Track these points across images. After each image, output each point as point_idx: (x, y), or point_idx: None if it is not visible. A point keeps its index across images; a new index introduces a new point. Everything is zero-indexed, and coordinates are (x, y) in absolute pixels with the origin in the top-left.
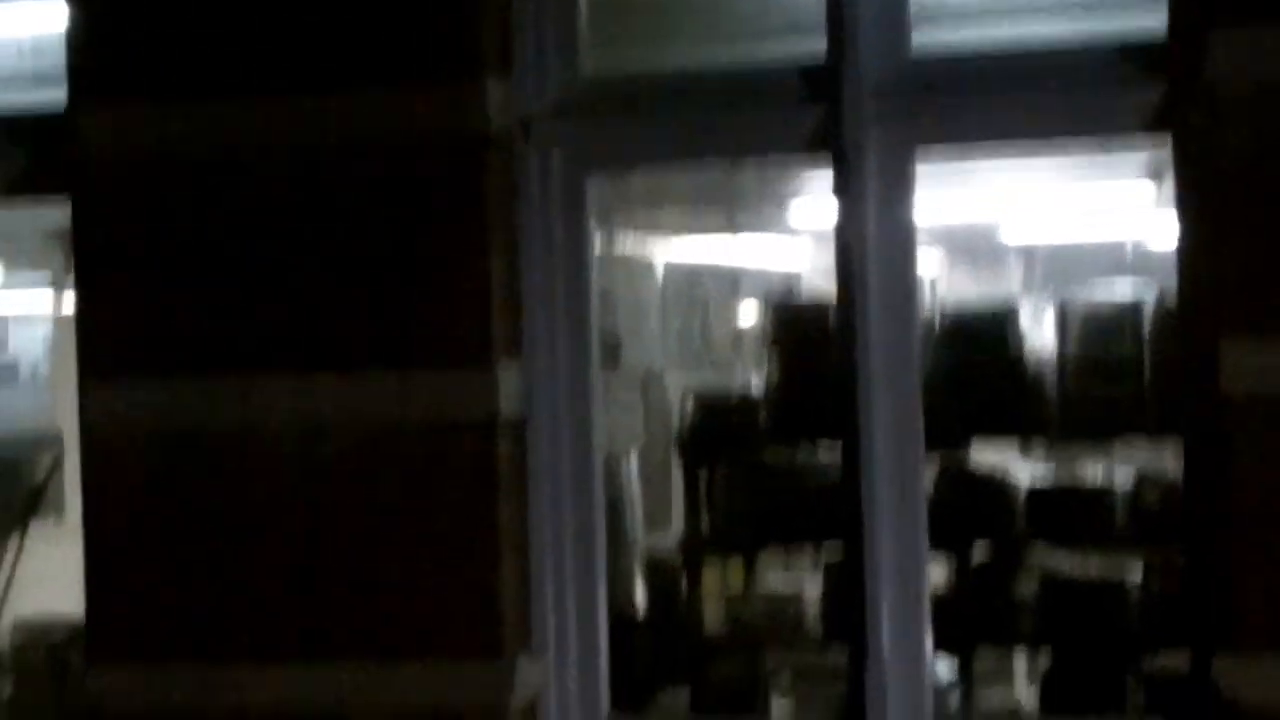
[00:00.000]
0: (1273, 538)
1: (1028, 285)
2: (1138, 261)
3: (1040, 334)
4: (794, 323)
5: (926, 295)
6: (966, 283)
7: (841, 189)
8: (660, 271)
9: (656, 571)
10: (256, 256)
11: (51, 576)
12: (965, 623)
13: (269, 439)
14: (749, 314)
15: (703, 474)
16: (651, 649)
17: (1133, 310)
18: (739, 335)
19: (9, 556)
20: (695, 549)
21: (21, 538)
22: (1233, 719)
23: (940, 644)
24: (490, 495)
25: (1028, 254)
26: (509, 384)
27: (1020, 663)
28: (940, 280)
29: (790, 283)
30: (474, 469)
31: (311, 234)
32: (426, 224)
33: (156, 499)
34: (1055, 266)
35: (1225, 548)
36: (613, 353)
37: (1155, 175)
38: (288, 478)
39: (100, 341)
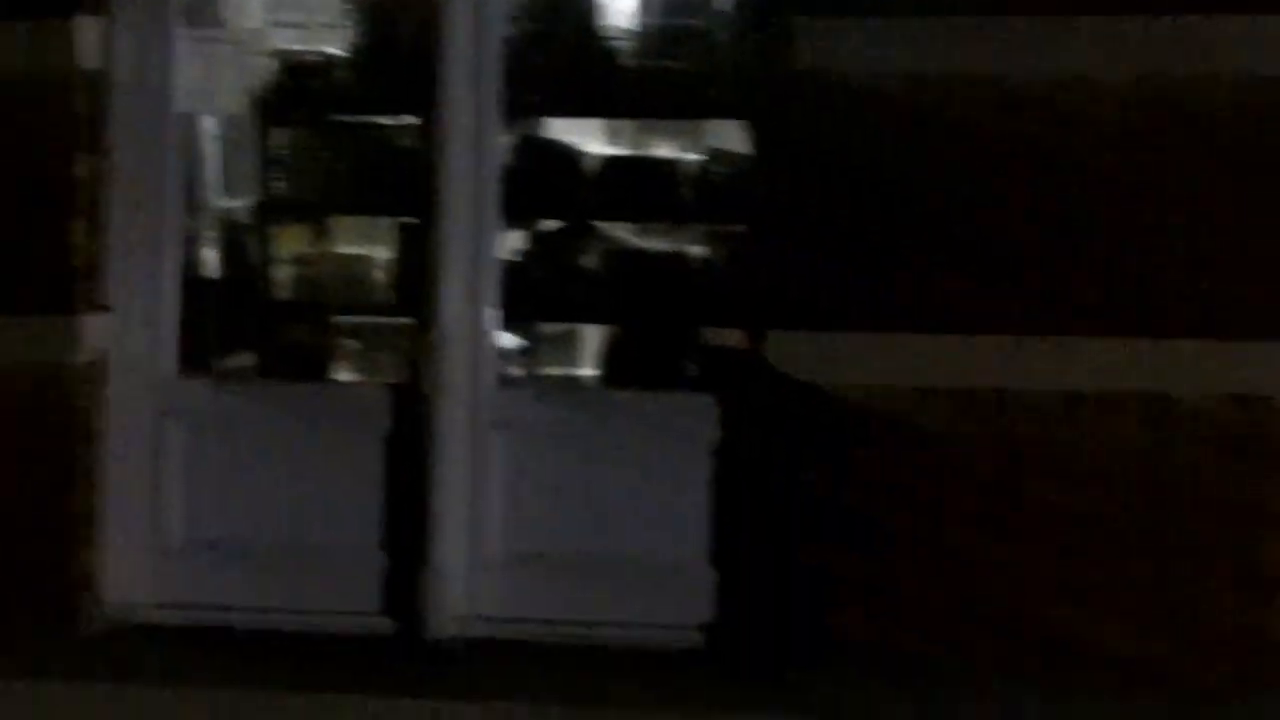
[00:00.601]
0: (830, 215)
1: None
2: None
3: (620, 6)
4: None
5: None
6: None
7: None
8: None
9: (231, 235)
10: None
11: None
12: (533, 294)
13: None
14: None
15: (283, 137)
16: (221, 313)
17: None
18: None
19: None
20: (270, 213)
21: None
22: (782, 391)
23: (507, 314)
24: (63, 149)
25: None
26: (87, 38)
27: (587, 334)
28: None
29: None
30: (48, 122)
31: None
32: None
33: None
34: None
35: (784, 226)
36: (200, 11)
37: None
38: None
39: None
